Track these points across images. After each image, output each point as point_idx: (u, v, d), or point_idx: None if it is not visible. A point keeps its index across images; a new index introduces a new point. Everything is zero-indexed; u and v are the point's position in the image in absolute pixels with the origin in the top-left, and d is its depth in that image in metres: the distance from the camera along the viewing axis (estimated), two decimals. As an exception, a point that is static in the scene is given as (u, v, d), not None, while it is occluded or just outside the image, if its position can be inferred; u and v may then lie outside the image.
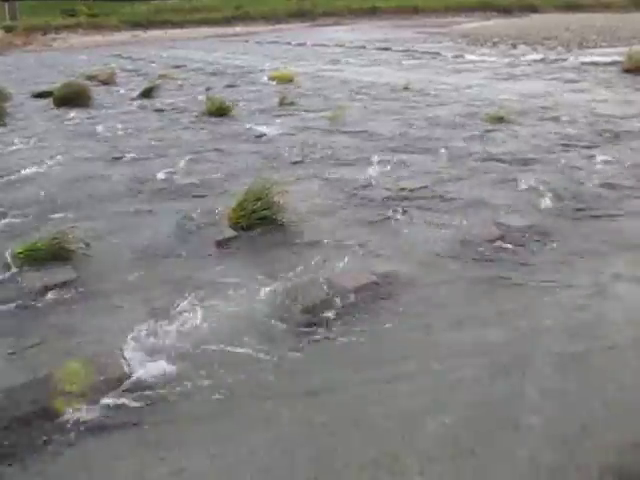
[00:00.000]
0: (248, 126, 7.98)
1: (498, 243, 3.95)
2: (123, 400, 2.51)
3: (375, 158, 6.07)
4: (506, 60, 14.72)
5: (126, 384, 2.60)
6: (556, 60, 14.19)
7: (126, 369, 2.68)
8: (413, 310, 3.16)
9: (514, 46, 18.63)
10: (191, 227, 4.41)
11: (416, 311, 3.15)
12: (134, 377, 2.63)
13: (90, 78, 13.50)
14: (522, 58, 14.96)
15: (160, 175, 5.80)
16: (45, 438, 2.33)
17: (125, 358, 2.75)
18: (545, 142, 6.57)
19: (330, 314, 3.11)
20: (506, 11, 44.40)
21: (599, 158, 5.83)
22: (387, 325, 3.03)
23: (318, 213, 4.56)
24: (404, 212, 4.56)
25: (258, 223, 4.27)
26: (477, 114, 8.14)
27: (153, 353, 2.79)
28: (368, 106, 9.13)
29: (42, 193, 5.35)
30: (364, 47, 20.46)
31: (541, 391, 2.48)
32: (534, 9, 45.63)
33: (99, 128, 8.31)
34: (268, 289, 3.39)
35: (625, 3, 44.88)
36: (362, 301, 3.25)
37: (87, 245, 4.01)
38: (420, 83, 11.18)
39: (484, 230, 4.15)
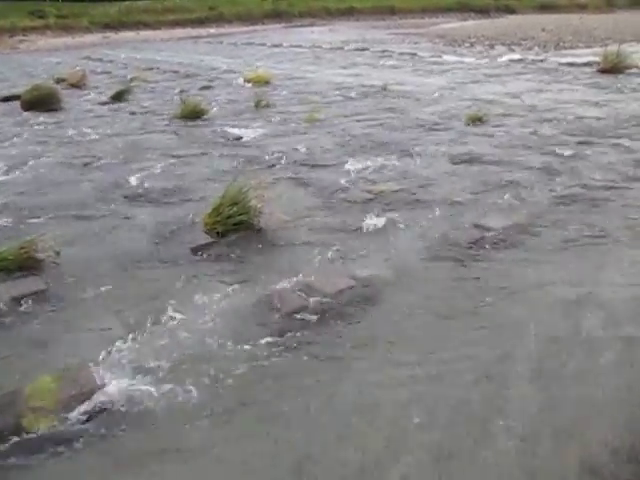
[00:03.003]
0: (223, 129, 7.94)
1: (477, 245, 3.99)
2: (95, 416, 2.47)
3: (353, 160, 6.09)
4: (484, 61, 14.92)
5: (98, 399, 2.55)
6: (534, 61, 14.42)
7: (99, 384, 2.63)
8: (393, 315, 3.16)
9: (491, 47, 18.89)
10: (165, 234, 4.37)
11: (396, 316, 3.16)
12: (107, 392, 2.59)
13: (59, 81, 13.31)
14: (500, 59, 15.17)
15: (133, 180, 5.74)
16: (13, 455, 2.28)
17: (97, 372, 2.70)
18: (524, 143, 6.66)
19: (309, 320, 3.11)
20: (483, 12, 45.06)
21: (576, 158, 5.94)
22: (367, 331, 3.03)
23: (296, 217, 4.55)
24: (383, 215, 4.57)
25: (234, 228, 4.25)
26: (456, 115, 8.22)
27: (126, 367, 2.75)
28: (346, 108, 9.17)
29: (10, 200, 5.25)
30: (341, 48, 20.55)
31: (523, 398, 2.50)
32: (511, 10, 46.39)
33: (69, 132, 8.20)
34: (245, 296, 3.37)
35: (600, 4, 45.90)
36: (341, 306, 3.25)
37: (57, 254, 3.94)
38: (398, 84, 11.26)
39: (463, 233, 4.18)
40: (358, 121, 8.13)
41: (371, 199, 4.95)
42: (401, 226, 4.37)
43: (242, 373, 2.71)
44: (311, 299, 3.29)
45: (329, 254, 3.92)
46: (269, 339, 2.95)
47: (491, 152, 6.32)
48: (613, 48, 12.67)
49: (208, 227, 4.29)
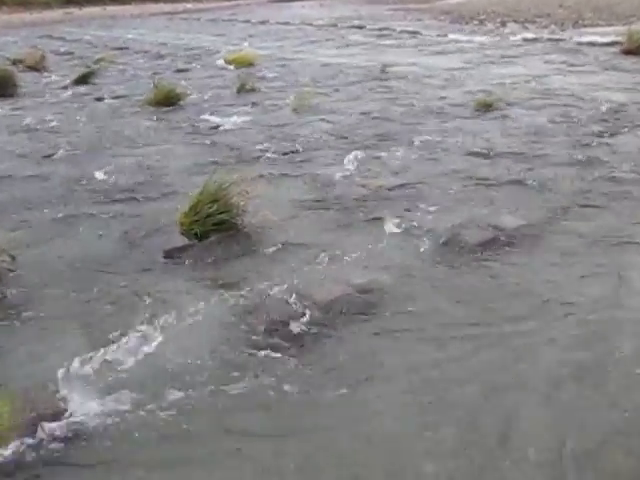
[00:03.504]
0: (202, 116, 7.93)
1: (489, 247, 3.99)
2: (57, 440, 2.45)
3: (348, 152, 6.09)
4: (495, 40, 15.00)
5: (61, 422, 2.53)
6: (550, 40, 14.52)
7: (61, 404, 2.61)
8: (394, 326, 3.16)
9: (503, 24, 19.00)
10: (135, 235, 4.35)
11: (397, 327, 3.15)
12: (70, 413, 2.57)
13: (16, 63, 13.25)
14: (512, 38, 15.27)
15: (99, 175, 5.71)
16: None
17: (60, 392, 2.68)
18: (539, 132, 6.68)
19: (299, 332, 3.10)
20: (493, -15, 45.22)
21: (599, 149, 5.97)
22: (365, 344, 3.02)
23: (284, 216, 4.55)
24: (382, 213, 4.58)
25: (214, 229, 4.24)
26: (463, 101, 8.25)
27: (92, 385, 2.73)
28: (340, 93, 9.18)
29: (-42, 198, 5.22)
30: (334, 25, 20.60)
31: (534, 419, 2.50)
32: (524, -17, 46.56)
33: (27, 121, 8.15)
34: (227, 306, 3.36)
35: (623, -24, 46.16)
36: (336, 316, 3.24)
37: (13, 258, 3.90)
38: (398, 66, 11.29)
39: (473, 233, 4.19)
40: (354, 108, 8.14)
41: (369, 195, 4.95)
42: (403, 226, 4.37)
43: (219, 395, 2.68)
44: (301, 309, 3.28)
45: (322, 257, 3.91)
46: (252, 356, 2.93)
47: (503, 142, 6.35)
48: (638, 26, 12.77)
49: (184, 228, 4.27)
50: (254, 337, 3.08)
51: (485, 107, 7.75)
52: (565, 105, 7.87)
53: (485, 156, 5.92)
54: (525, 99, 8.29)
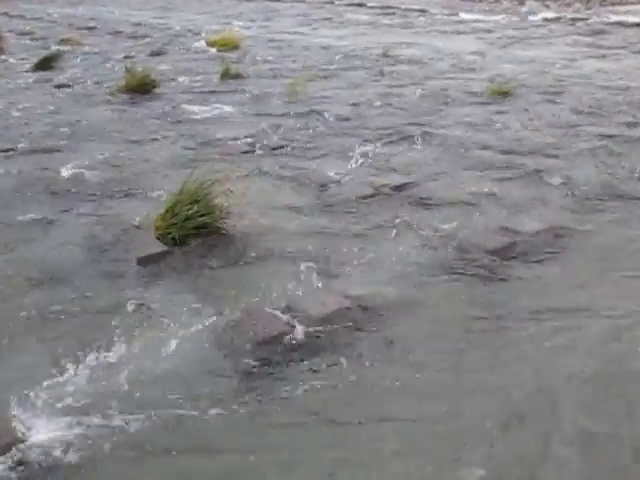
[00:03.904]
0: (180, 106, 7.92)
1: (504, 255, 4.01)
2: (14, 472, 2.44)
3: (347, 146, 6.11)
4: (511, 20, 15.08)
5: (19, 452, 2.52)
6: (573, 20, 14.61)
7: (19, 433, 2.60)
8: (396, 345, 3.16)
9: (521, 2, 19.09)
10: (105, 241, 4.34)
11: (399, 346, 3.16)
12: (30, 443, 2.56)
13: (-32, 44, 13.22)
14: (531, 17, 15.36)
15: (64, 172, 5.69)
16: None
17: (18, 418, 2.67)
18: (561, 123, 6.72)
19: (290, 352, 3.09)
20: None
21: (627, 143, 6.00)
22: (364, 365, 3.02)
23: (275, 219, 4.55)
24: (386, 216, 4.59)
25: (195, 233, 4.24)
26: (477, 88, 8.28)
27: (55, 411, 2.72)
28: (337, 80, 9.20)
29: None
30: (331, 2, 20.65)
31: (554, 453, 2.51)
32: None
33: (-19, 110, 8.13)
34: (208, 322, 3.35)
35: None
36: (332, 333, 3.24)
37: (-35, 267, 3.90)
38: (403, 49, 11.33)
39: (487, 238, 4.20)
40: (354, 97, 8.15)
41: (371, 195, 4.97)
42: (409, 230, 4.38)
43: (195, 422, 2.68)
44: (293, 324, 3.28)
45: (317, 266, 3.91)
46: (235, 378, 2.92)
47: (521, 135, 6.37)
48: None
49: (160, 232, 4.27)
50: (238, 357, 3.07)
51: (501, 95, 7.79)
52: (591, 93, 7.91)
53: (502, 151, 5.94)
54: (546, 86, 8.33)
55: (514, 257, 3.99)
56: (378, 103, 7.80)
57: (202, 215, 4.25)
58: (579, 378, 2.90)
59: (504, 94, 7.80)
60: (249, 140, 6.47)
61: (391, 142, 6.27)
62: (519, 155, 5.81)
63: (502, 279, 3.75)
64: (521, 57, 10.40)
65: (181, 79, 9.56)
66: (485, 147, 6.06)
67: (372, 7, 18.97)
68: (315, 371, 2.99)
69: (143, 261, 4.04)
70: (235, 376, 2.95)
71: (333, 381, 2.93)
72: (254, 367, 3.01)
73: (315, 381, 2.92)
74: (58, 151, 6.35)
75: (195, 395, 2.84)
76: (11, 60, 11.95)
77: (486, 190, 5.03)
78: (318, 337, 3.22)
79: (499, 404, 2.74)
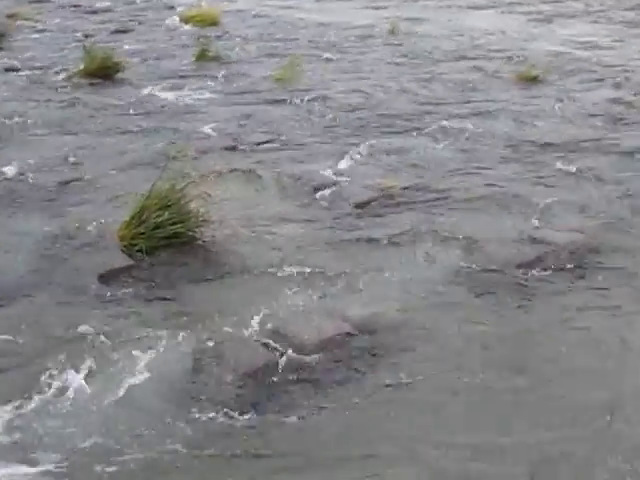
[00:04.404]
0: (149, 93, 7.90)
1: (531, 271, 4.01)
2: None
3: (347, 141, 6.11)
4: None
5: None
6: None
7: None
8: (403, 379, 3.15)
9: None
10: (60, 254, 4.31)
11: (408, 381, 3.14)
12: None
13: None
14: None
15: (10, 171, 5.66)
16: None
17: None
18: (600, 115, 6.73)
19: (277, 387, 3.07)
20: None
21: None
22: (364, 401, 3.00)
23: (260, 228, 4.54)
24: (391, 224, 4.59)
25: (165, 244, 4.23)
26: (500, 73, 8.30)
27: (4, 457, 2.70)
28: (334, 62, 9.20)
29: None
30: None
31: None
32: None
33: None
34: (182, 350, 3.33)
35: None
36: (328, 363, 3.23)
37: None
38: (413, 26, 11.33)
39: (510, 251, 4.21)
40: (353, 82, 8.15)
41: (375, 200, 4.98)
42: (418, 240, 4.38)
43: (169, 474, 2.66)
44: (282, 354, 3.27)
45: (310, 283, 3.90)
46: (213, 416, 2.90)
47: (552, 128, 6.38)
48: None
49: (125, 243, 4.26)
50: (216, 392, 3.05)
51: (530, 80, 7.80)
52: (634, 78, 7.92)
53: (530, 145, 5.96)
54: (584, 71, 8.36)
55: (542, 274, 3.99)
56: (383, 90, 7.80)
57: (174, 223, 4.24)
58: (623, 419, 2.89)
59: (533, 79, 7.82)
60: (230, 134, 6.46)
61: (399, 136, 6.27)
62: (551, 151, 5.82)
63: (525, 300, 3.75)
64: (553, 35, 10.44)
65: (150, 62, 9.54)
66: (510, 141, 6.07)
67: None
68: (307, 410, 2.97)
69: (104, 277, 4.03)
70: (212, 414, 2.93)
71: (327, 423, 2.91)
72: (235, 404, 2.98)
73: (306, 422, 2.91)
74: (4, 146, 6.32)
75: (163, 437, 2.81)
76: (-52, 39, 11.94)
77: (511, 192, 5.04)
78: (311, 369, 3.20)
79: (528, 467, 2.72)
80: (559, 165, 5.51)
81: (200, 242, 4.33)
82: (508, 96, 7.45)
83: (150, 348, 3.35)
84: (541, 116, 6.74)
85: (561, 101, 7.23)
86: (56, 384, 3.11)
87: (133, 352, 3.32)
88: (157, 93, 7.93)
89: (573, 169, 5.42)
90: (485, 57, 9.21)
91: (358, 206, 4.88)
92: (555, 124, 6.50)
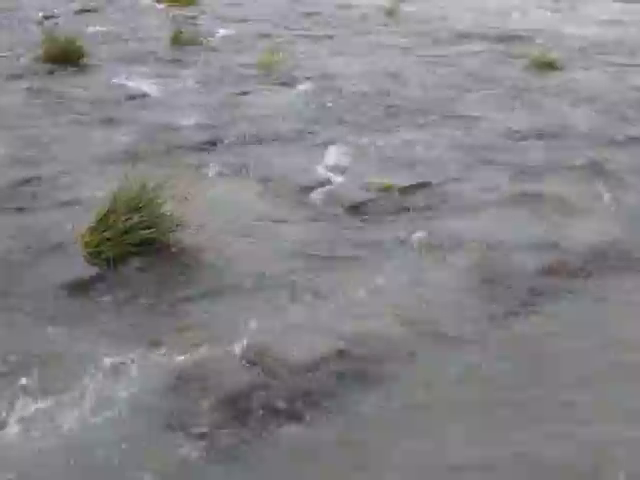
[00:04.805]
0: (117, 82, 7.90)
1: (551, 281, 4.00)
2: None
3: (340, 135, 6.11)
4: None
5: None
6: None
7: None
8: (403, 402, 3.12)
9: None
10: (15, 263, 4.28)
11: (407, 403, 3.12)
12: None
13: None
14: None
15: (-41, 170, 5.66)
16: None
17: None
18: (627, 106, 6.74)
19: (263, 415, 3.03)
20: None
21: None
22: (360, 429, 2.98)
23: (242, 232, 4.54)
24: (391, 229, 4.59)
25: (135, 252, 4.21)
26: (510, 57, 8.31)
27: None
28: (326, 45, 9.21)
29: None
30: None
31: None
32: None
33: None
34: (154, 373, 3.29)
35: None
36: (319, 384, 3.20)
37: None
38: (415, 3, 11.37)
39: (526, 258, 4.20)
40: (346, 68, 8.17)
41: (371, 201, 4.98)
42: (422, 247, 4.37)
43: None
44: (267, 375, 3.24)
45: (300, 296, 3.89)
46: (190, 450, 2.86)
47: (570, 120, 6.40)
48: None
49: (90, 250, 4.23)
50: (193, 422, 3.02)
51: (546, 66, 7.82)
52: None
53: (545, 140, 5.98)
54: (604, 54, 8.38)
55: (559, 284, 3.99)
56: (380, 77, 7.82)
57: (145, 227, 4.22)
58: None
59: (549, 65, 7.83)
60: (209, 127, 6.47)
61: (398, 128, 6.28)
62: (566, 146, 5.85)
63: (542, 314, 3.74)
64: (571, 15, 10.47)
65: (118, 46, 9.54)
66: (523, 135, 6.09)
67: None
68: (298, 442, 2.94)
69: (66, 290, 4.01)
70: (189, 443, 2.90)
71: (318, 454, 2.88)
72: (215, 431, 2.95)
73: (295, 453, 2.88)
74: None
75: (132, 470, 2.79)
76: None
77: (526, 192, 5.05)
78: (302, 394, 3.16)
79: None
80: (580, 161, 5.51)
81: (175, 249, 4.31)
82: (520, 85, 7.47)
83: (116, 371, 3.32)
84: (555, 107, 6.76)
85: (580, 90, 7.24)
86: (10, 413, 3.09)
87: (97, 375, 3.29)
88: (126, 81, 7.93)
89: (592, 166, 5.43)
90: (493, 40, 9.24)
91: (353, 208, 4.88)
92: (573, 116, 6.52)
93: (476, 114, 6.62)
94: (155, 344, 3.53)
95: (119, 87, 7.78)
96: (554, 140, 6.00)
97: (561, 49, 8.27)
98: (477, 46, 8.98)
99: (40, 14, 11.82)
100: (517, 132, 6.17)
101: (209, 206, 4.52)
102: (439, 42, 9.23)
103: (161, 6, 12.24)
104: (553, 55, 7.98)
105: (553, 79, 7.60)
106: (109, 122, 6.74)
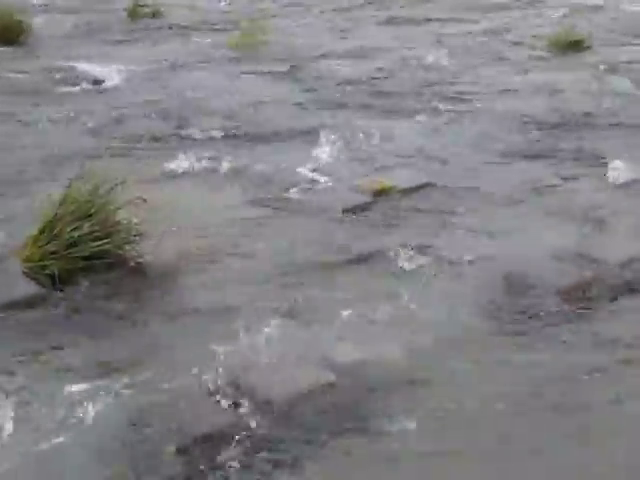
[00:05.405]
0: (63, 64, 7.88)
1: (578, 300, 4.00)
2: None
3: (328, 126, 6.10)
4: None
5: None
6: None
7: None
8: (401, 447, 3.11)
9: None
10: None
11: (406, 449, 3.10)
12: None
13: None
14: None
15: None
16: None
17: None
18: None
19: (239, 459, 3.02)
20: None
21: None
22: (348, 474, 2.99)
23: (213, 243, 4.54)
24: (388, 240, 4.58)
25: (86, 266, 4.21)
26: (528, 37, 8.35)
27: None
28: (311, 21, 9.23)
29: None
30: None
31: None
32: None
33: None
34: (108, 410, 3.27)
35: None
36: (303, 426, 3.19)
37: None
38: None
39: (548, 272, 4.22)
40: (333, 47, 8.19)
41: (365, 206, 4.99)
42: (424, 260, 4.37)
43: None
44: (245, 413, 3.24)
45: (281, 319, 3.86)
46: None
47: (598, 110, 6.42)
48: None
49: (32, 265, 4.22)
50: (157, 468, 3.01)
51: (570, 47, 7.84)
52: None
53: (565, 131, 5.99)
54: (636, 33, 8.42)
55: (587, 303, 4.00)
56: (373, 58, 7.86)
57: (97, 238, 4.21)
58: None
59: (571, 46, 7.86)
60: (173, 118, 6.48)
61: (396, 120, 6.30)
62: (593, 140, 5.86)
63: (567, 339, 3.74)
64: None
65: (66, 20, 9.53)
66: (543, 126, 6.10)
67: None
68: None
69: (5, 311, 3.99)
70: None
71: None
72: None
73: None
74: None
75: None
76: None
77: (547, 194, 5.06)
78: (281, 434, 3.16)
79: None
80: (602, 158, 5.53)
81: (133, 264, 4.31)
82: (540, 66, 7.49)
83: (63, 409, 3.30)
84: (584, 95, 6.79)
85: (607, 75, 7.27)
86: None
87: (41, 412, 3.27)
88: (75, 63, 7.91)
89: (628, 164, 5.44)
90: (507, 15, 9.28)
91: (344, 214, 4.88)
92: (598, 104, 6.54)
93: (488, 103, 6.65)
94: (108, 375, 3.52)
95: (67, 71, 7.76)
96: (579, 131, 6.01)
97: (590, 28, 8.31)
98: (489, 21, 9.10)
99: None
100: (535, 122, 6.19)
101: (174, 211, 4.52)
102: (439, 16, 9.28)
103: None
104: (576, 35, 8.02)
105: (576, 61, 7.67)
106: (54, 113, 6.72)
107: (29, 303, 4.07)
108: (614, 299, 4.04)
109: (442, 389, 3.46)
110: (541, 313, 3.94)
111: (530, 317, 3.92)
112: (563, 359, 3.62)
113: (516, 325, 3.87)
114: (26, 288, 4.15)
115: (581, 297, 4.04)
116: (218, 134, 6.15)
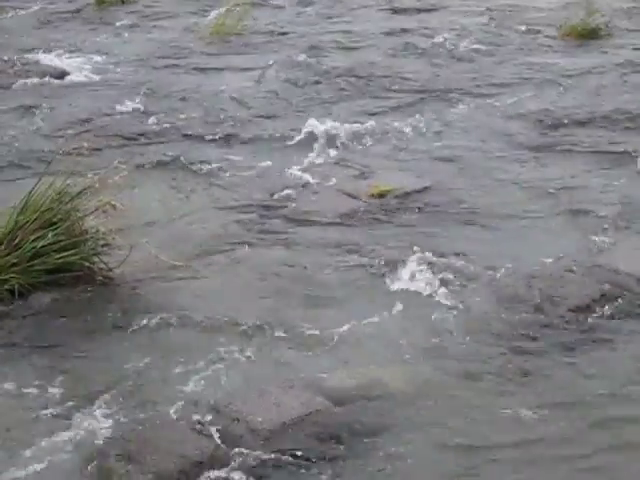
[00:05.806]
0: (23, 55, 7.86)
1: (596, 317, 4.01)
2: None
3: (318, 123, 6.10)
4: None
5: None
6: None
7: None
8: (393, 470, 3.13)
9: None
10: None
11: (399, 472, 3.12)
12: None
13: None
14: None
15: None
16: None
17: None
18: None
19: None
20: None
21: None
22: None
23: (190, 254, 4.54)
24: (384, 249, 4.60)
25: (50, 280, 4.22)
26: (542, 25, 8.37)
27: None
28: (295, 6, 9.24)
29: None
30: None
31: None
32: None
33: None
34: (77, 440, 3.28)
35: None
36: (291, 460, 3.19)
37: None
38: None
39: (563, 286, 4.22)
40: (321, 35, 8.20)
41: (362, 213, 5.00)
42: (424, 273, 4.38)
43: None
44: (226, 443, 3.24)
45: (268, 340, 3.89)
46: None
47: (619, 105, 6.43)
48: None
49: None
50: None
51: (586, 37, 7.86)
52: None
53: (582, 128, 6.02)
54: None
55: (608, 320, 4.00)
56: (367, 46, 7.86)
57: (62, 248, 4.22)
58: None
59: (589, 34, 7.87)
60: (145, 114, 6.49)
61: (394, 115, 6.31)
62: (614, 140, 5.87)
63: (585, 359, 3.75)
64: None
65: (24, 7, 9.53)
66: (558, 124, 6.11)
67: None
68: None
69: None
70: None
71: None
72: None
73: None
74: None
75: None
76: None
77: (562, 199, 5.08)
78: (266, 465, 3.17)
79: None
80: (625, 160, 5.56)
81: (101, 277, 4.31)
82: (554, 57, 7.52)
83: (28, 438, 3.31)
84: (600, 87, 6.81)
85: (628, 66, 7.30)
86: None
87: (4, 443, 3.29)
88: (39, 55, 7.90)
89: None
90: (517, 2, 9.30)
91: (337, 221, 4.89)
92: (619, 99, 6.56)
93: (495, 98, 6.65)
94: (76, 401, 3.52)
95: (29, 63, 7.75)
96: (595, 128, 6.03)
97: (608, 15, 8.30)
98: (495, 12, 9.06)
99: None
100: (549, 119, 6.20)
101: (146, 219, 4.51)
102: (444, 5, 9.30)
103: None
104: (595, 22, 8.00)
105: (594, 51, 7.68)
106: (13, 111, 6.72)
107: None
108: (629, 314, 4.06)
109: (438, 413, 3.47)
110: (547, 329, 3.96)
111: (534, 332, 3.93)
112: (573, 375, 3.65)
113: (518, 340, 3.88)
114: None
115: (593, 311, 4.06)
116: (192, 132, 6.14)
